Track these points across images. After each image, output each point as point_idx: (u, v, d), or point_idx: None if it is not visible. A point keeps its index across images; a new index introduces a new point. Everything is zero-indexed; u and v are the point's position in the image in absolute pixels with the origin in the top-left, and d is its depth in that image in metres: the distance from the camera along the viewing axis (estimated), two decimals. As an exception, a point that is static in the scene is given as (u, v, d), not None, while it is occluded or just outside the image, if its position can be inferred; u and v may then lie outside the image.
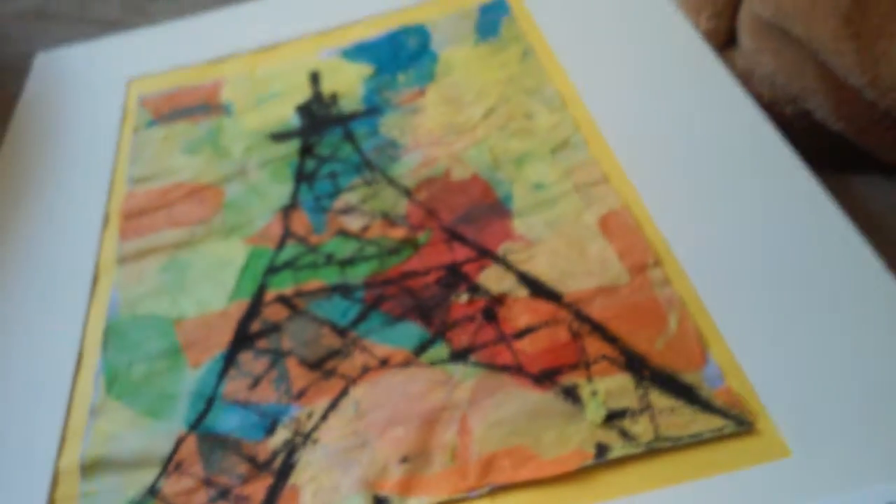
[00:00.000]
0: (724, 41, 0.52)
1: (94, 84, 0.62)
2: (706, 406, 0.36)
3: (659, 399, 0.37)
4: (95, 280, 0.47)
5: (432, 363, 0.40)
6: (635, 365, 0.38)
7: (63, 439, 0.40)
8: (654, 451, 0.35)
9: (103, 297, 0.46)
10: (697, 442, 0.35)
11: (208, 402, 0.40)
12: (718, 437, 0.35)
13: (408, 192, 0.48)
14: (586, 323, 0.40)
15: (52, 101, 0.61)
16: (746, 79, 0.50)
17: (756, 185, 0.44)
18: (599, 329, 0.40)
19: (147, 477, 0.38)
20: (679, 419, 0.36)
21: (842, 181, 0.48)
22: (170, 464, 0.38)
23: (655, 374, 0.37)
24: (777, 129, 0.46)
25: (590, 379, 0.38)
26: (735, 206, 0.43)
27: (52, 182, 0.54)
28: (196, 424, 0.40)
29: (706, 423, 0.35)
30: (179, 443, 0.39)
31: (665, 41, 0.52)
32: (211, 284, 0.46)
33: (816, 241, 0.41)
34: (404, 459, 0.36)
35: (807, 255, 0.40)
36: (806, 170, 0.43)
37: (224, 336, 0.43)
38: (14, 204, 0.53)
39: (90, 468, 0.39)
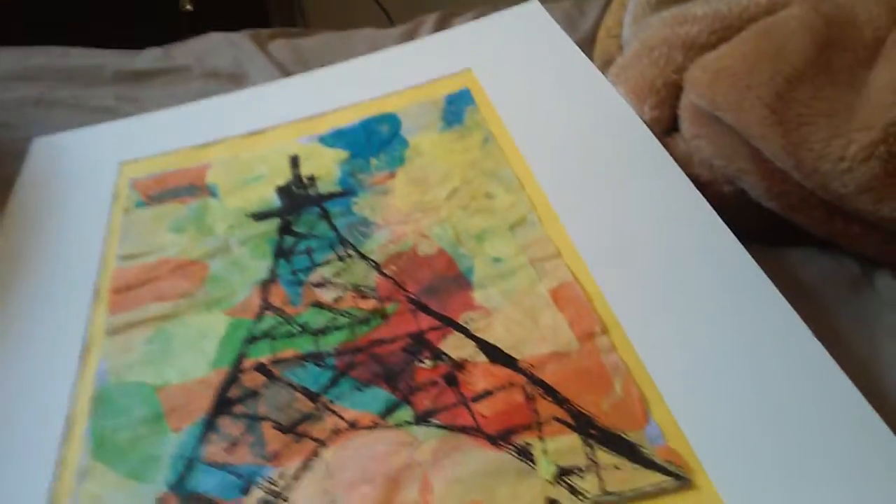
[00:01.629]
0: (667, 128, 0.57)
1: (88, 167, 0.66)
2: (648, 463, 0.39)
3: (605, 456, 0.40)
4: (86, 350, 0.50)
5: (398, 425, 0.43)
6: (583, 425, 0.41)
7: (53, 502, 0.43)
8: (600, 504, 0.38)
9: (92, 367, 0.49)
10: (640, 496, 0.38)
11: (188, 464, 0.43)
12: (660, 493, 0.38)
13: (377, 266, 0.52)
14: (539, 386, 0.43)
15: (48, 183, 0.65)
16: (687, 162, 0.54)
17: (694, 261, 0.48)
18: (551, 392, 0.43)
19: (130, 536, 0.41)
20: (623, 475, 0.39)
21: (777, 254, 0.52)
22: (151, 523, 0.41)
23: (602, 434, 0.41)
24: (716, 206, 0.50)
25: (542, 438, 0.41)
26: (675, 279, 0.47)
27: (46, 258, 0.58)
28: (176, 486, 0.42)
29: (648, 478, 0.39)
30: (161, 503, 0.42)
31: (613, 129, 0.57)
32: (193, 354, 0.49)
33: (750, 311, 0.45)
34: (370, 516, 0.39)
35: (741, 324, 0.44)
36: (738, 245, 0.48)
37: (204, 402, 0.46)
38: (10, 278, 0.56)
39: (77, 528, 0.41)
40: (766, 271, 0.46)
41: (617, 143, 0.56)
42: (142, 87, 0.79)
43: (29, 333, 0.52)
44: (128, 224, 0.60)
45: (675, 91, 0.57)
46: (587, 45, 0.71)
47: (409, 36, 0.83)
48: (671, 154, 0.54)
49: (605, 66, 0.65)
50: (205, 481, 0.42)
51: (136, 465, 0.44)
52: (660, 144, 0.55)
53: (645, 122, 0.56)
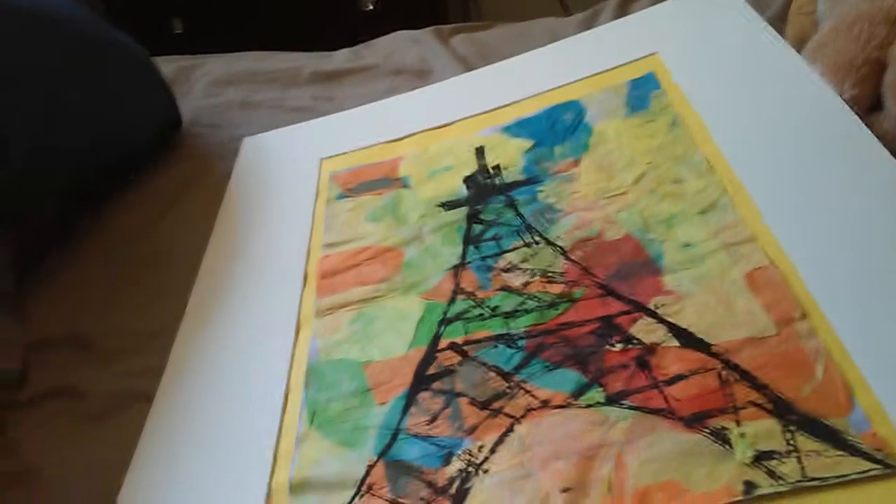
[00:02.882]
0: (869, 106, 0.54)
1: (292, 163, 0.72)
2: (853, 449, 0.38)
3: (806, 442, 0.39)
4: (298, 330, 0.55)
5: (589, 405, 0.44)
6: (782, 410, 0.41)
7: (274, 462, 0.47)
8: (800, 490, 0.38)
9: (304, 345, 0.54)
10: (843, 483, 0.37)
11: (393, 435, 0.47)
12: (865, 479, 0.37)
13: (564, 252, 0.53)
14: (735, 371, 0.43)
15: (258, 178, 0.71)
16: (892, 140, 0.52)
17: (902, 241, 0.45)
18: (747, 377, 0.43)
19: (344, 496, 0.44)
20: (826, 461, 0.38)
21: None
22: (362, 486, 0.45)
23: (802, 419, 0.40)
24: (926, 187, 0.48)
25: (738, 423, 0.41)
26: (880, 261, 0.45)
27: (259, 247, 0.63)
28: (384, 453, 0.46)
29: (852, 465, 0.38)
30: (370, 469, 0.45)
31: (810, 109, 0.55)
32: (393, 334, 0.53)
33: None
34: (565, 490, 0.41)
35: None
36: (954, 226, 0.45)
37: (405, 378, 0.49)
38: (230, 265, 0.62)
39: (297, 488, 0.46)
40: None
41: (815, 123, 0.54)
42: (335, 87, 0.85)
43: (248, 315, 0.58)
44: (330, 215, 0.64)
45: (877, 68, 0.54)
46: (779, 23, 0.68)
47: (589, 24, 0.83)
48: (875, 133, 0.52)
49: (799, 45, 0.62)
50: (409, 451, 0.45)
51: (347, 433, 0.48)
52: (862, 123, 0.52)
53: (845, 101, 0.54)
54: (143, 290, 0.64)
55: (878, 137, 0.51)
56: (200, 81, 0.90)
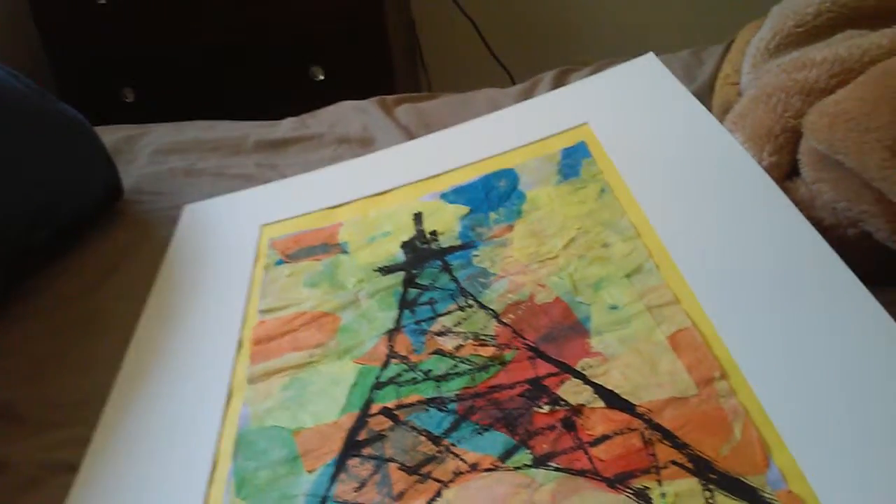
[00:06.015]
0: (786, 173, 0.57)
1: (232, 229, 0.72)
2: (770, 508, 0.39)
3: (725, 501, 0.40)
4: (229, 397, 0.55)
5: (517, 468, 0.44)
6: (702, 469, 0.41)
7: (199, 536, 0.46)
8: (721, 550, 0.38)
9: (235, 413, 0.54)
10: (762, 542, 0.38)
11: (321, 503, 0.46)
12: (783, 538, 0.38)
13: (496, 315, 0.54)
14: (657, 431, 0.44)
15: (197, 245, 0.71)
16: (809, 206, 0.54)
17: (817, 304, 0.47)
18: (670, 436, 0.43)
19: (268, 567, 0.44)
20: (744, 520, 0.39)
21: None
22: (288, 556, 0.44)
23: (721, 478, 0.41)
24: (839, 250, 0.49)
25: (660, 482, 0.41)
26: (796, 323, 0.46)
27: (195, 312, 0.63)
28: (310, 522, 0.45)
29: (770, 524, 0.38)
30: (296, 538, 0.45)
31: (731, 176, 0.57)
32: (326, 399, 0.52)
33: (873, 352, 0.44)
34: (491, 555, 0.41)
35: (866, 368, 0.43)
36: (863, 288, 0.46)
37: (335, 444, 0.49)
38: (165, 331, 0.62)
39: (221, 559, 0.45)
40: (892, 315, 0.45)
41: (736, 189, 0.56)
42: (279, 155, 0.86)
43: (180, 383, 0.57)
44: (268, 281, 0.65)
45: (793, 137, 0.57)
46: (705, 93, 0.71)
47: (528, 94, 0.86)
48: (792, 199, 0.54)
49: (724, 114, 0.65)
50: (336, 519, 0.45)
51: (275, 503, 0.47)
52: (779, 189, 0.54)
53: (764, 168, 0.56)
54: (76, 359, 0.63)
55: (795, 203, 0.54)
56: (145, 150, 0.90)
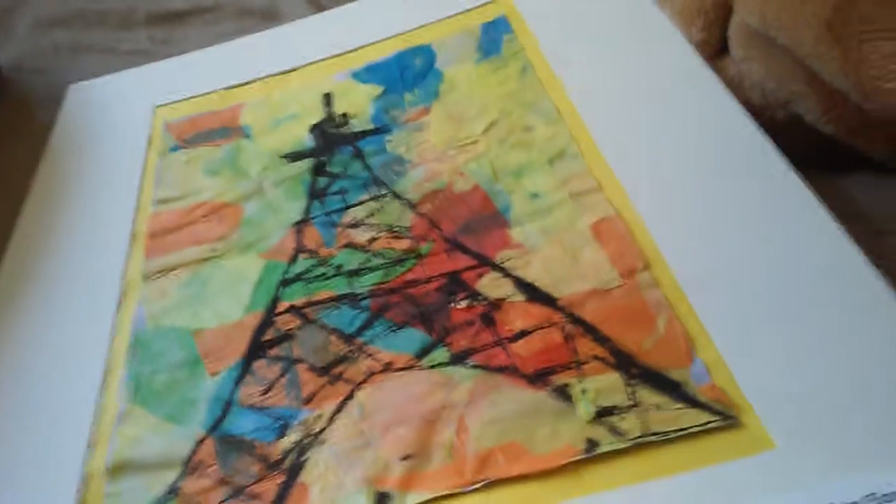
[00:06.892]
0: (716, 51, 0.54)
1: (123, 112, 0.66)
2: (692, 402, 0.38)
3: (647, 396, 0.38)
4: (123, 295, 0.51)
5: (433, 366, 0.42)
6: (624, 364, 0.40)
7: (92, 444, 0.43)
8: (642, 445, 0.37)
9: (129, 312, 0.49)
10: (684, 436, 0.37)
11: (225, 408, 0.43)
12: (705, 432, 0.37)
13: (412, 206, 0.51)
14: (579, 325, 0.42)
15: (84, 129, 0.65)
16: (737, 86, 0.51)
17: (745, 189, 0.45)
18: (591, 330, 0.41)
19: (169, 477, 0.41)
20: (666, 415, 0.37)
21: (831, 180, 0.49)
22: (189, 465, 0.41)
23: (644, 373, 0.39)
24: (768, 133, 0.47)
25: (581, 378, 0.40)
26: (724, 210, 0.45)
27: (83, 204, 0.58)
28: (214, 428, 0.42)
29: (692, 418, 0.37)
30: (198, 445, 0.42)
31: (658, 53, 0.54)
32: (228, 297, 0.49)
33: (803, 240, 0.42)
34: (405, 457, 0.39)
35: (793, 255, 0.42)
36: (794, 172, 0.45)
37: (240, 345, 0.46)
38: (48, 224, 0.56)
39: (116, 470, 0.42)
40: (819, 198, 0.43)
41: (662, 67, 0.53)
42: (175, 29, 0.78)
43: (67, 279, 0.52)
44: (163, 168, 0.59)
45: (724, 12, 0.54)
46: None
47: (446, -35, 0.80)
48: (721, 78, 0.51)
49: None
50: (241, 423, 0.42)
51: (174, 408, 0.44)
52: (709, 68, 0.51)
53: (692, 45, 0.53)
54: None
55: (724, 82, 0.51)
56: (23, 21, 0.81)
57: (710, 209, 0.45)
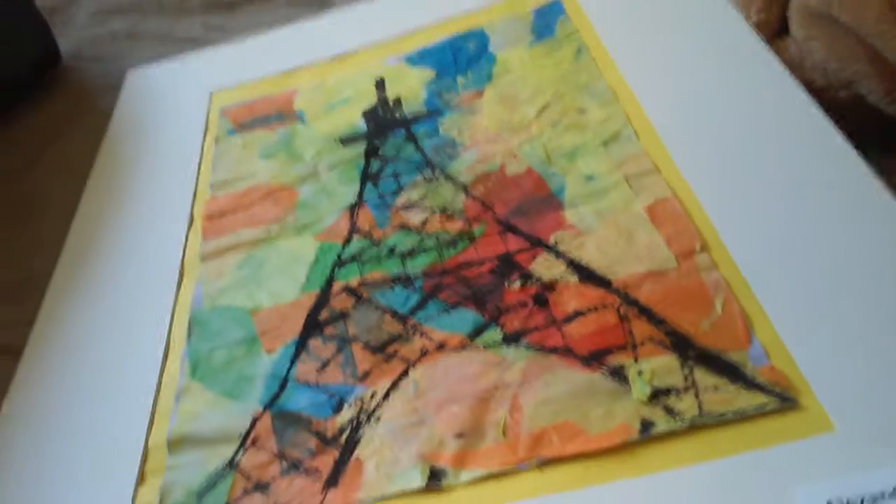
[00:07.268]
0: (775, 31, 0.53)
1: (179, 97, 0.67)
2: (750, 384, 0.37)
3: (703, 377, 0.38)
4: (181, 276, 0.52)
5: (486, 346, 0.42)
6: (681, 345, 0.39)
7: (152, 419, 0.44)
8: (698, 426, 0.37)
9: (188, 292, 0.50)
10: (741, 418, 0.36)
11: (281, 384, 0.44)
12: (762, 414, 0.36)
13: (465, 188, 0.51)
14: (634, 306, 0.42)
15: (142, 114, 0.66)
16: (798, 66, 0.50)
17: (806, 170, 0.44)
18: (646, 312, 0.41)
19: (227, 451, 0.42)
20: (723, 396, 0.37)
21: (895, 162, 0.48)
22: (247, 439, 0.42)
23: (700, 354, 0.39)
24: (830, 114, 0.46)
25: (636, 359, 0.39)
26: (783, 191, 0.44)
27: (142, 188, 0.59)
28: (270, 404, 0.43)
29: (750, 399, 0.37)
30: (255, 420, 0.43)
31: (716, 34, 0.53)
32: (284, 278, 0.49)
33: (865, 222, 0.41)
34: (459, 435, 0.39)
35: (854, 236, 0.41)
36: (856, 153, 0.44)
37: (296, 324, 0.46)
38: (108, 208, 0.58)
39: (176, 444, 0.43)
40: (882, 179, 0.42)
41: (721, 48, 0.52)
42: (229, 16, 0.79)
43: (127, 262, 0.54)
44: (219, 152, 0.60)
45: (783, -9, 0.53)
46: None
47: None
48: (781, 59, 0.50)
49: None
50: (297, 400, 0.43)
51: (231, 385, 0.45)
52: (768, 49, 0.50)
53: (752, 26, 0.52)
54: (17, 238, 0.59)
55: (784, 63, 0.50)
56: (83, 11, 0.83)
57: (768, 190, 0.44)
